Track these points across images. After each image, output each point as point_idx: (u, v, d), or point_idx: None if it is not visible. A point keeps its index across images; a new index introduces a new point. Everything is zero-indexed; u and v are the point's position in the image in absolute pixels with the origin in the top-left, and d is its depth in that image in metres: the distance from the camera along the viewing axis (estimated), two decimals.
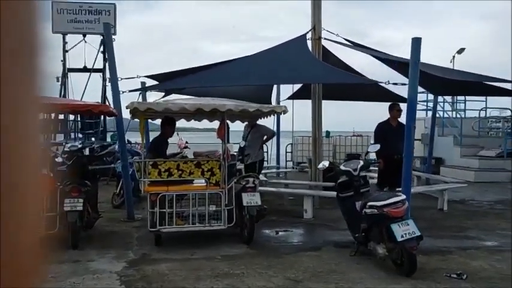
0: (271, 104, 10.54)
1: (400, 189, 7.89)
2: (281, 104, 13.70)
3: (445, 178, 10.67)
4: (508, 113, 15.34)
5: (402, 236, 4.55)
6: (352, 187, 5.58)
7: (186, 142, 9.94)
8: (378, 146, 6.01)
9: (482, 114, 15.68)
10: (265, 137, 9.08)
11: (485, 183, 11.93)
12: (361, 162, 5.63)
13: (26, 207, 0.46)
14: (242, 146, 8.48)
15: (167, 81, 9.02)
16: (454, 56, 17.53)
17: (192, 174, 5.81)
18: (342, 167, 5.68)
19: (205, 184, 5.87)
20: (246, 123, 8.67)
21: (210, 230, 5.97)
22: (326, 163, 5.95)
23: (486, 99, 15.33)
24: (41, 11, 0.46)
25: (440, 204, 8.49)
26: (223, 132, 6.11)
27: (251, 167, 8.44)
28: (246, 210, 5.88)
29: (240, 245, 5.93)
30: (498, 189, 11.26)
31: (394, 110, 7.84)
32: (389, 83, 6.42)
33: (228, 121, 7.67)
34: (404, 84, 6.20)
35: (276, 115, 9.62)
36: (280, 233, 6.81)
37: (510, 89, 11.81)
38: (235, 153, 7.58)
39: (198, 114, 6.65)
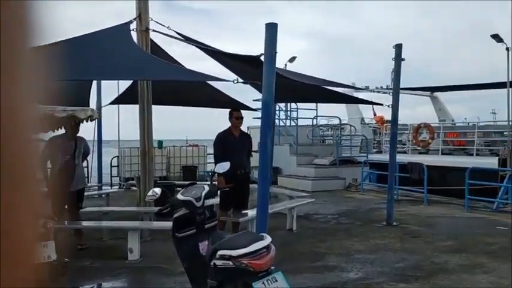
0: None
1: (247, 211, 6.69)
2: (103, 109, 11.48)
3: (288, 191, 9.92)
4: (336, 121, 15.87)
5: None
6: (194, 223, 3.98)
7: None
8: (227, 165, 4.54)
9: (315, 122, 15.96)
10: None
11: (322, 193, 11.72)
12: (206, 188, 4.06)
13: None
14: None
15: None
16: (286, 65, 17.60)
17: None
18: (180, 196, 4.00)
19: None
20: (52, 132, 6.40)
21: None
22: (158, 190, 4.19)
23: (317, 106, 15.57)
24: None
25: (289, 223, 7.53)
26: None
27: (79, 196, 6.53)
28: None
29: None
30: (336, 199, 11.10)
31: (233, 118, 6.59)
32: (238, 82, 5.08)
33: None
34: (256, 83, 4.90)
35: (91, 121, 7.45)
36: None
37: (354, 96, 11.96)
38: None
39: None
